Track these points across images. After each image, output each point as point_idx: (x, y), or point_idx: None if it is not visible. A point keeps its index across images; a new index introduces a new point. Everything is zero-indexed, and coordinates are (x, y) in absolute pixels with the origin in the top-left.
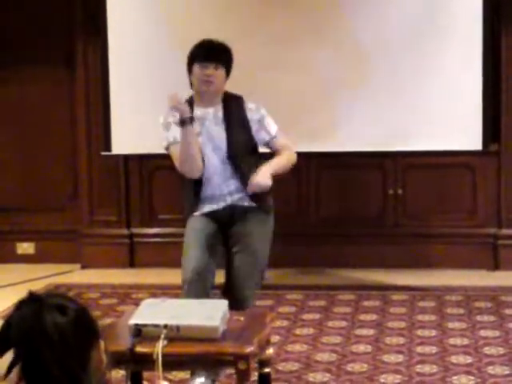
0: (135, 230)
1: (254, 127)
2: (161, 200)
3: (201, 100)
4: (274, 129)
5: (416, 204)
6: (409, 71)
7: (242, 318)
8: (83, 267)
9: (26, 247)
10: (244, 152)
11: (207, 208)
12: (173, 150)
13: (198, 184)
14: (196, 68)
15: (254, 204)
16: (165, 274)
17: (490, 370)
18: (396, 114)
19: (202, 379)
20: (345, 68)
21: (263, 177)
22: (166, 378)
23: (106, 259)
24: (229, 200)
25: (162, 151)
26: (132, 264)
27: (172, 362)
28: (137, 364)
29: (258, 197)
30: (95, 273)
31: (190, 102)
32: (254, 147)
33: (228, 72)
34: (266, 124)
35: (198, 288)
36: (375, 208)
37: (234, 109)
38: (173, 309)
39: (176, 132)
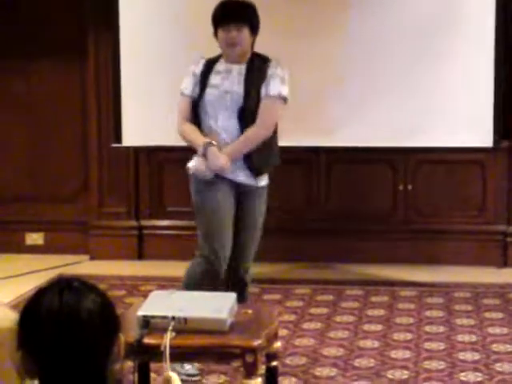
0: (144, 222)
1: (265, 81)
2: (170, 192)
3: (228, 58)
4: (273, 89)
5: (425, 200)
6: (420, 68)
7: (249, 311)
8: (92, 258)
9: (35, 238)
10: (254, 114)
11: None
12: (180, 100)
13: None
14: (220, 32)
15: (263, 183)
16: (173, 267)
17: (498, 366)
18: (407, 111)
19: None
20: (356, 64)
21: (224, 161)
22: (173, 370)
23: (115, 251)
24: (242, 178)
25: (172, 143)
26: (141, 256)
27: (179, 354)
28: (144, 355)
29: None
30: (104, 264)
31: (215, 58)
32: None
33: (253, 29)
34: (271, 81)
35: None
36: (385, 204)
37: (256, 69)
38: (181, 301)
39: (187, 83)
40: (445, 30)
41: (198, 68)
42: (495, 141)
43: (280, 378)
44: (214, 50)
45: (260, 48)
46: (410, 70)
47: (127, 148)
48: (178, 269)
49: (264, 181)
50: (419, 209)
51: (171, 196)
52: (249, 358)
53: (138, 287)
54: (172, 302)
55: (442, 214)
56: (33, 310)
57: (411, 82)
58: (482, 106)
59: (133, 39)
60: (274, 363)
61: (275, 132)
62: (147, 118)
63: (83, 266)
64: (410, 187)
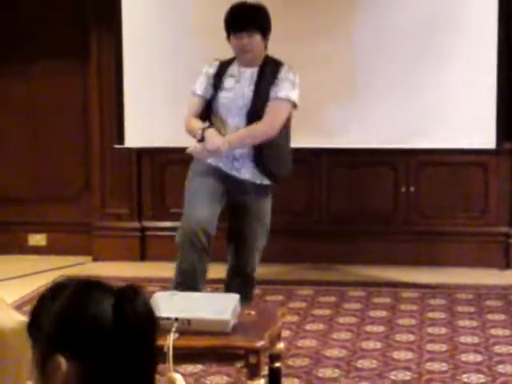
0: (147, 224)
1: (275, 83)
2: (173, 194)
3: (241, 62)
4: (282, 92)
5: (428, 202)
6: (422, 69)
7: (253, 312)
8: (94, 260)
9: (37, 239)
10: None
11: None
12: (190, 100)
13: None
14: (232, 38)
15: (267, 182)
16: None
17: (500, 368)
18: (409, 112)
19: None
20: (358, 65)
21: (223, 143)
22: (176, 371)
23: (118, 252)
24: (237, 171)
25: (175, 145)
26: (143, 257)
27: (183, 355)
28: None
29: (269, 173)
30: (106, 265)
31: (229, 60)
32: None
33: (265, 33)
34: (280, 84)
35: (197, 241)
36: (387, 205)
37: (268, 73)
38: (184, 302)
39: (200, 84)
40: (446, 31)
41: (212, 69)
42: (498, 142)
43: (283, 379)
44: (215, 50)
45: None
46: (412, 72)
47: (130, 149)
48: None
49: (266, 180)
50: (421, 210)
51: (174, 197)
52: (252, 359)
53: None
54: (175, 303)
55: (445, 216)
56: (110, 319)
57: (413, 83)
58: (484, 108)
59: (135, 40)
60: (277, 364)
61: (288, 140)
62: (150, 119)
63: (86, 267)
64: (412, 189)
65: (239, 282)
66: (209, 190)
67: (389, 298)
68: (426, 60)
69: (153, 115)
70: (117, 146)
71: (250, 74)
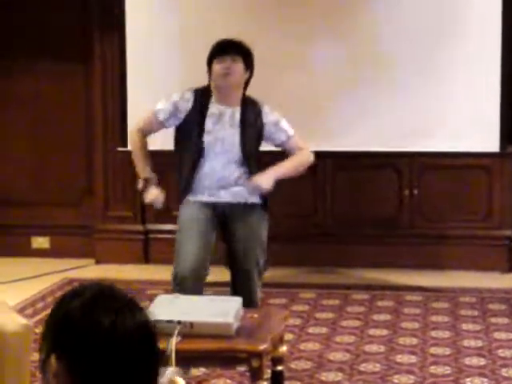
0: (150, 226)
1: (270, 129)
2: (175, 196)
3: (219, 97)
4: (291, 130)
5: (431, 205)
6: (425, 72)
7: (255, 316)
8: (98, 262)
9: (40, 241)
10: (254, 157)
11: (204, 197)
12: (150, 115)
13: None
14: (214, 64)
15: (255, 201)
16: None
17: (504, 372)
18: (412, 115)
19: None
20: (361, 67)
21: (266, 181)
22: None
23: (121, 255)
24: (227, 197)
25: None
26: (146, 260)
27: (185, 359)
28: None
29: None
30: (109, 268)
31: (204, 92)
32: (258, 152)
33: (248, 66)
34: (282, 125)
35: (191, 286)
36: (390, 208)
37: (250, 113)
38: (187, 305)
39: (164, 110)
40: (449, 33)
41: (185, 104)
42: (502, 146)
43: (286, 383)
44: None
45: (263, 55)
46: (416, 75)
47: None
48: None
49: (253, 198)
50: (425, 214)
51: (176, 200)
52: (255, 363)
53: (144, 291)
54: (178, 306)
55: (448, 219)
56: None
57: (417, 87)
58: (488, 111)
59: (139, 41)
60: (280, 368)
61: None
62: None
63: (89, 270)
64: (415, 192)
65: None
66: (198, 228)
67: (392, 301)
68: (429, 63)
69: None
70: (120, 149)
71: (229, 115)
